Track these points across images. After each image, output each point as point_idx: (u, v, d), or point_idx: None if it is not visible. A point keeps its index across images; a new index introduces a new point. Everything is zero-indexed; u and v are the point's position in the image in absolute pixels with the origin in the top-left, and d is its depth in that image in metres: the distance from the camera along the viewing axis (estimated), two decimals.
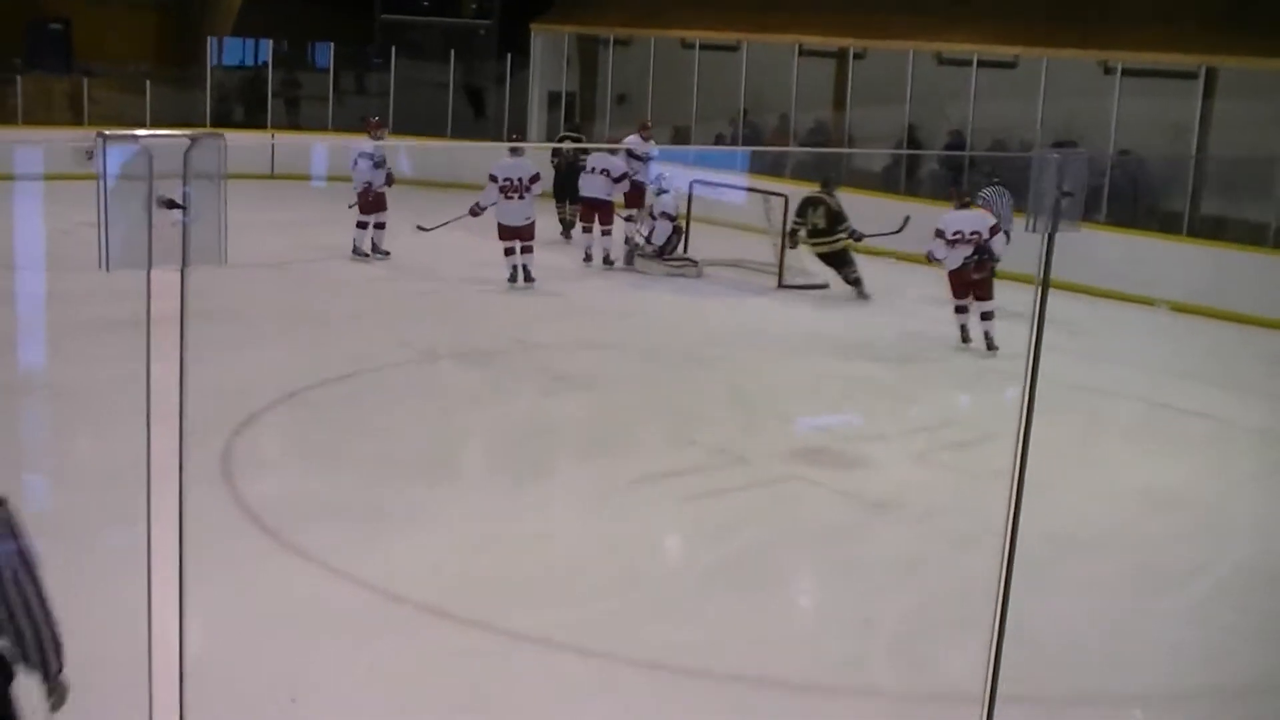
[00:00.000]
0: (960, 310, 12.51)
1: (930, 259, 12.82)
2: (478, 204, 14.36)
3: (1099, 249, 14.71)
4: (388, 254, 15.19)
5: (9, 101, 21.63)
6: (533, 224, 14.27)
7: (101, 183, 2.44)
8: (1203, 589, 7.19)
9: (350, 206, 15.26)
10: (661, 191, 15.65)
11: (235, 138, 3.01)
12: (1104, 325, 13.74)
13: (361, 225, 15.19)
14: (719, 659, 5.85)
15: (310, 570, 6.49)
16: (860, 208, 17.42)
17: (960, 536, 7.48)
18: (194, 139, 2.48)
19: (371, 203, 15.11)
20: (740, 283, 15.03)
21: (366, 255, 15.11)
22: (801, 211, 14.77)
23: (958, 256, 12.38)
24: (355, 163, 15.25)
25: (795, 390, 10.87)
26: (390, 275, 14.58)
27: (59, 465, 8.16)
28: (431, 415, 9.50)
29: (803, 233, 14.70)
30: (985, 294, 12.33)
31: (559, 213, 17.26)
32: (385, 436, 8.88)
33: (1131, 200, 16.60)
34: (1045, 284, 3.21)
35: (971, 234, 12.40)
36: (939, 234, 12.52)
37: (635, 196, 16.32)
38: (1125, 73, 16.15)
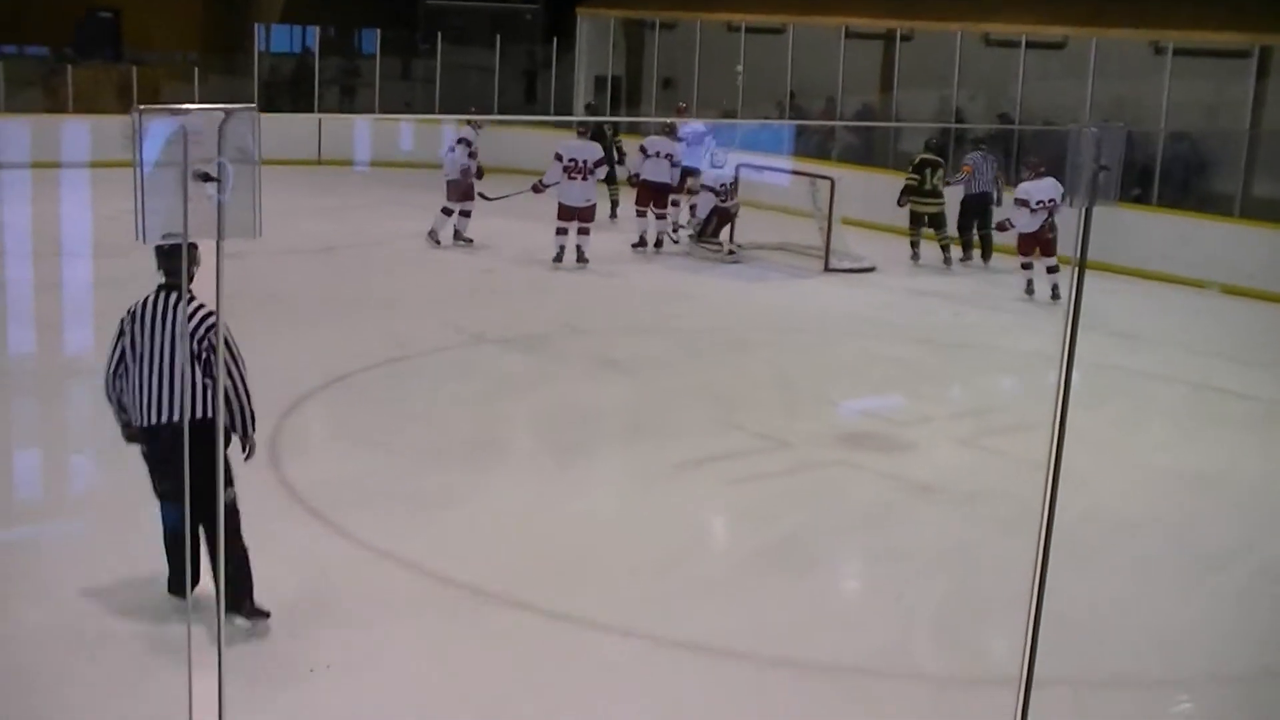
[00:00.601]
0: (1026, 267, 13.81)
1: (1006, 227, 14.07)
2: (541, 181, 14.48)
3: (1149, 230, 14.63)
4: (470, 241, 15.12)
5: (60, 90, 21.82)
6: (593, 206, 14.43)
7: (138, 157, 2.46)
8: (1247, 571, 7.13)
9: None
10: (714, 166, 15.52)
11: (280, 120, 3.05)
12: (1153, 308, 13.63)
13: (447, 212, 15.05)
14: (762, 641, 5.86)
15: (356, 551, 6.54)
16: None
17: (1004, 520, 7.44)
18: (228, 113, 2.51)
19: (464, 191, 15.04)
20: (786, 266, 14.98)
21: (439, 243, 15.00)
22: (920, 170, 15.55)
23: (1036, 221, 13.48)
24: (451, 149, 15.06)
25: (840, 374, 10.85)
26: (440, 259, 14.62)
27: (104, 446, 8.23)
28: (477, 399, 9.54)
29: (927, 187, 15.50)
30: (1051, 251, 13.54)
31: (611, 194, 17.16)
32: (431, 420, 8.93)
33: (1182, 182, 16.44)
34: (1083, 260, 3.19)
35: (1050, 201, 13.41)
36: (1022, 203, 13.56)
37: (682, 181, 16.24)
38: (1176, 52, 15.97)
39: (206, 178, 2.46)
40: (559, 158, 14.30)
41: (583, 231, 14.27)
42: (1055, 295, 13.27)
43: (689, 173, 15.91)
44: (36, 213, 15.94)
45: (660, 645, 5.78)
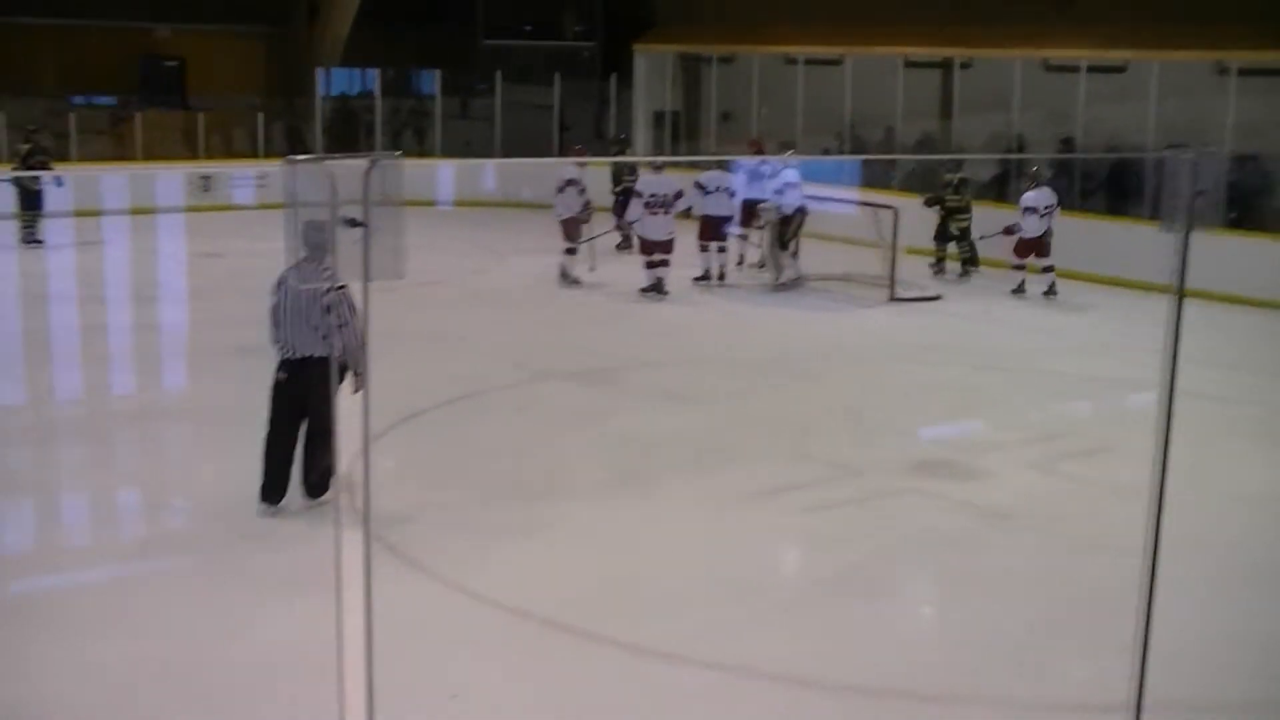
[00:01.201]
0: (1020, 268, 15.22)
1: (1013, 231, 15.16)
2: (625, 219, 14.62)
3: (1217, 252, 14.46)
4: (578, 281, 15.21)
5: (127, 137, 22.19)
6: (674, 239, 14.60)
7: (291, 204, 2.52)
8: None
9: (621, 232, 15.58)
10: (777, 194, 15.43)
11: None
12: (1223, 330, 13.47)
13: (571, 252, 15.16)
14: (840, 669, 5.82)
15: (432, 585, 6.57)
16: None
17: (1081, 546, 7.39)
18: (373, 161, 2.55)
19: (578, 229, 15.18)
20: (851, 296, 14.95)
21: (577, 282, 15.09)
22: (958, 189, 16.35)
23: (1041, 226, 14.89)
24: (563, 189, 15.09)
25: (908, 402, 10.78)
26: (505, 295, 14.71)
27: (199, 486, 8.36)
28: (547, 433, 9.57)
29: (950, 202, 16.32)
30: (1046, 253, 15.04)
31: (619, 228, 17.08)
32: (502, 455, 8.96)
33: (1249, 203, 16.26)
34: (1181, 288, 3.16)
35: (1048, 207, 14.91)
36: (1031, 210, 14.89)
37: (749, 214, 16.19)
38: (1240, 72, 15.84)
39: (353, 223, 2.52)
40: (638, 194, 14.47)
41: (664, 264, 14.54)
42: (1052, 291, 14.88)
43: (752, 205, 15.90)
44: (114, 257, 16.24)
45: (736, 674, 5.75)
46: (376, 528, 7.25)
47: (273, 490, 7.30)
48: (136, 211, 18.77)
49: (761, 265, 15.69)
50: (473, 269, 16.04)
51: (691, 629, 6.19)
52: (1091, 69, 17.48)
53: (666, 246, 14.54)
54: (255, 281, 14.60)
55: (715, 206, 15.51)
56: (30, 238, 16.83)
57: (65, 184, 17.11)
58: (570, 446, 9.30)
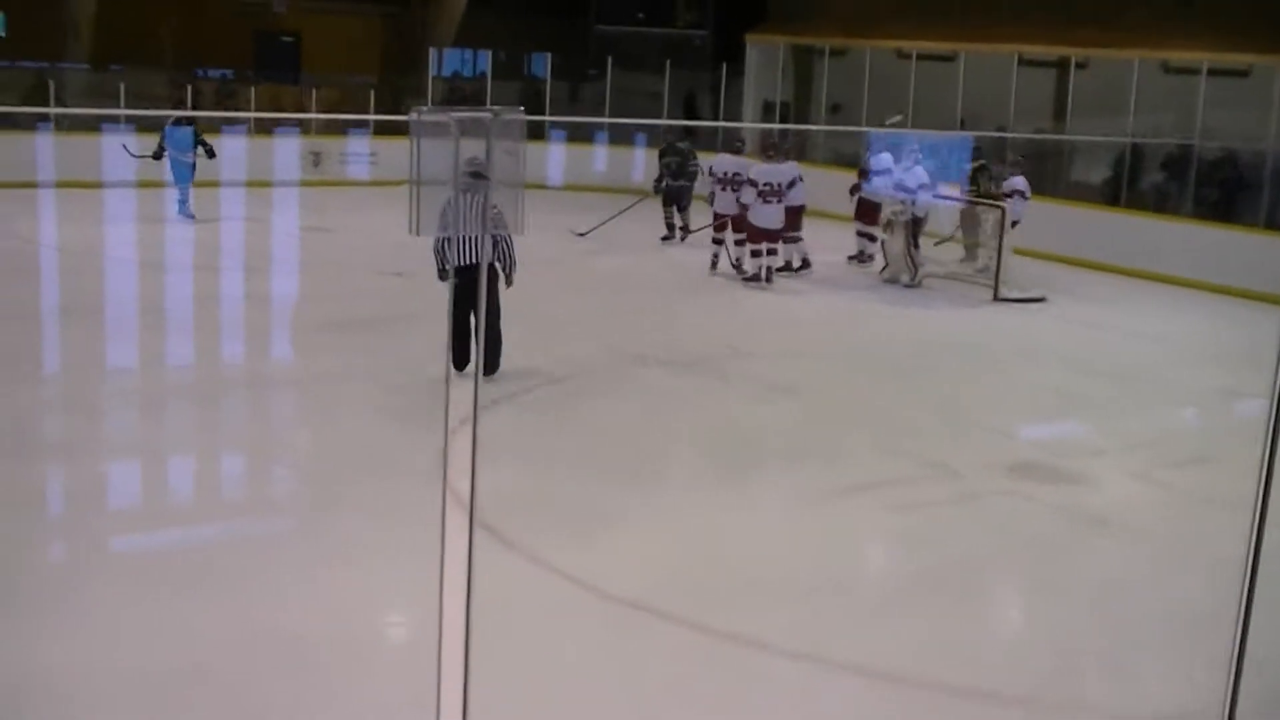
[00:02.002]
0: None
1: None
2: (739, 201, 14.67)
3: None
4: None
5: (241, 110, 22.55)
6: (784, 228, 14.73)
7: (415, 155, 2.57)
8: None
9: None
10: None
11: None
12: None
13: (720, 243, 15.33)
14: (930, 667, 5.80)
15: (521, 564, 6.63)
16: (1079, 220, 17.09)
17: (1178, 556, 7.29)
18: (496, 114, 2.58)
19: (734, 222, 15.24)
20: (955, 295, 14.82)
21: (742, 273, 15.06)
22: (974, 179, 16.31)
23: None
24: (731, 183, 15.15)
25: (1008, 403, 10.68)
26: (602, 279, 14.78)
27: (304, 454, 8.54)
28: (640, 418, 9.61)
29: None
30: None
31: (666, 217, 17.33)
32: (598, 438, 9.02)
33: None
34: None
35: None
36: (1020, 194, 15.39)
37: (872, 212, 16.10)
38: None
39: (477, 175, 2.56)
40: (753, 183, 14.49)
41: (772, 252, 14.62)
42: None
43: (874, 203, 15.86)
44: (231, 229, 16.58)
45: (826, 667, 5.75)
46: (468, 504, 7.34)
47: (460, 362, 8.63)
48: (251, 185, 19.11)
49: (884, 267, 15.48)
50: (582, 251, 16.13)
51: (780, 620, 6.19)
52: (1212, 71, 17.15)
53: (776, 235, 14.61)
54: (362, 256, 14.95)
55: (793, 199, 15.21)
56: (185, 211, 17.06)
57: (216, 155, 17.47)
58: (668, 432, 9.32)
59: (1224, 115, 17.26)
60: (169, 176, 17.21)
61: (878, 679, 5.68)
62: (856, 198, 16.35)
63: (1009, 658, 6.08)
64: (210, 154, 17.36)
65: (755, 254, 14.64)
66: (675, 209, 17.30)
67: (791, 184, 14.69)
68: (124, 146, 17.27)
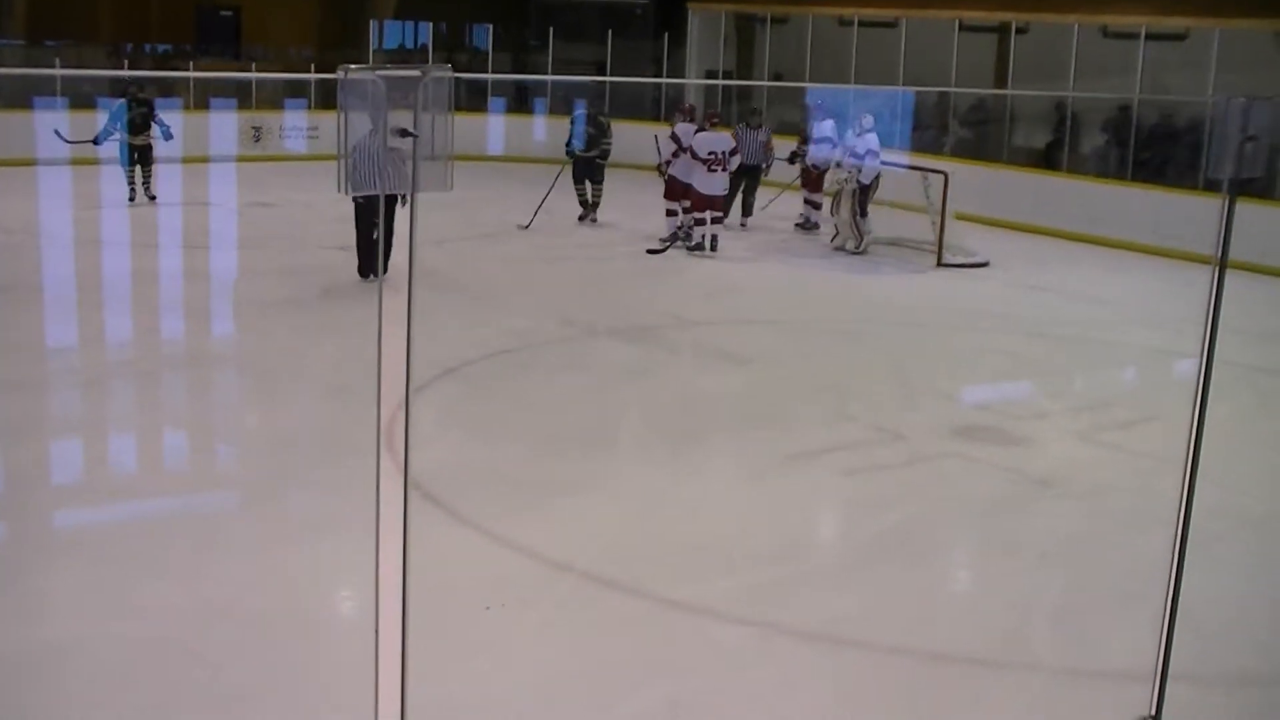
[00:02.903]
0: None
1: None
2: (672, 175, 14.73)
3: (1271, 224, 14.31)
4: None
5: (180, 86, 22.29)
6: (726, 195, 15.02)
7: (342, 113, 2.54)
8: None
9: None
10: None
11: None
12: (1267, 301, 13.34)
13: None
14: (879, 631, 5.83)
15: (472, 537, 6.60)
16: (1020, 184, 17.21)
17: (1124, 515, 7.35)
18: (423, 73, 2.56)
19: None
20: (899, 261, 14.89)
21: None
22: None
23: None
24: (728, 159, 14.92)
25: (954, 367, 10.75)
26: (550, 250, 14.73)
27: (247, 431, 8.46)
28: (590, 389, 9.59)
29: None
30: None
31: (579, 193, 16.67)
32: (545, 410, 8.99)
33: None
34: (1227, 238, 3.12)
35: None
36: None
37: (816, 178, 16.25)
38: None
39: (404, 133, 2.54)
40: (694, 152, 14.46)
41: (717, 220, 14.72)
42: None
43: (820, 169, 15.95)
44: (169, 205, 16.38)
45: (776, 632, 5.77)
46: (417, 477, 7.32)
47: (366, 270, 11.38)
48: (189, 160, 18.89)
49: (834, 230, 15.52)
50: (522, 223, 16.04)
51: (732, 587, 6.20)
52: (1150, 36, 17.27)
53: (719, 203, 14.75)
54: (303, 231, 14.83)
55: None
56: (148, 193, 16.60)
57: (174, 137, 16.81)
58: (615, 403, 9.31)
59: (1163, 79, 17.39)
60: (118, 158, 16.58)
61: (829, 643, 5.70)
62: (799, 166, 16.42)
63: (959, 619, 6.12)
64: (167, 135, 16.70)
65: (700, 222, 14.66)
66: (589, 183, 16.63)
67: (733, 152, 14.75)
68: (56, 132, 16.65)
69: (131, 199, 16.44)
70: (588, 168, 16.54)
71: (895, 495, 7.61)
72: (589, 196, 16.64)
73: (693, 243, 14.63)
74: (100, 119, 16.53)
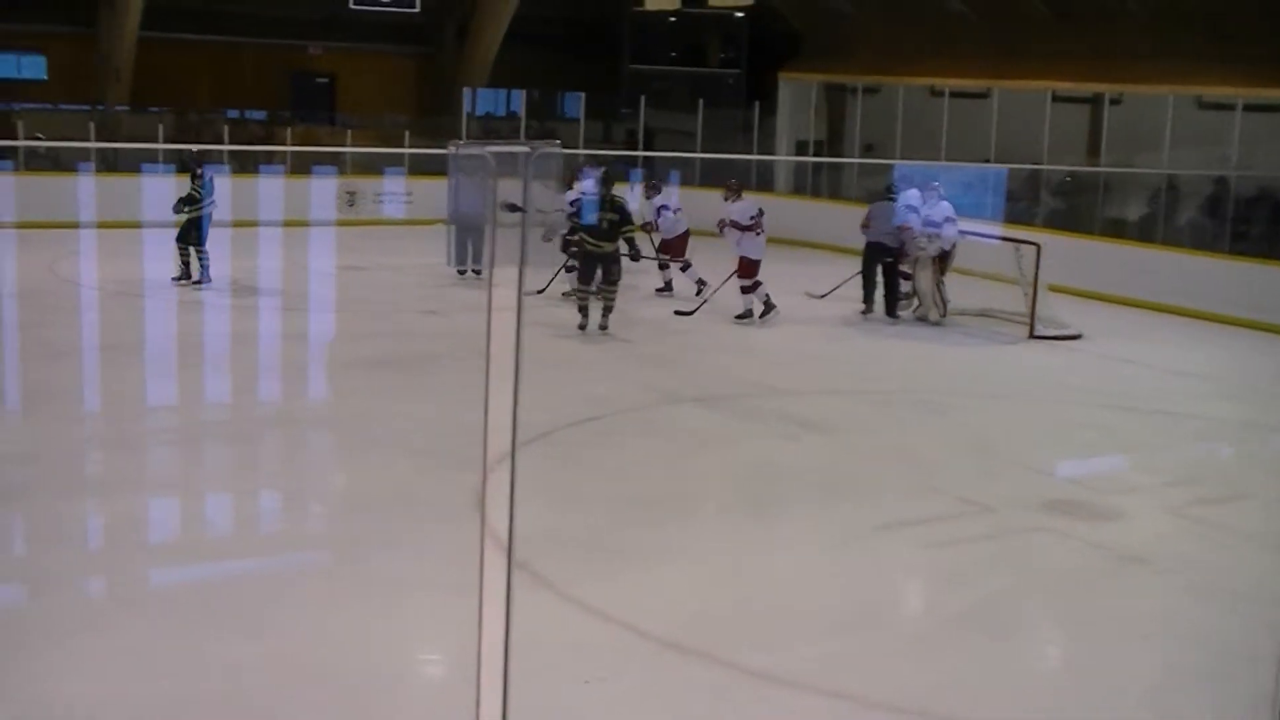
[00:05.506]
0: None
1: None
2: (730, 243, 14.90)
3: None
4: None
5: (277, 152, 22.74)
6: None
7: (453, 187, 2.62)
8: None
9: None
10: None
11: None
12: None
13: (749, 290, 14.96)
14: (963, 705, 5.77)
15: (554, 601, 6.62)
16: (1114, 256, 17.03)
17: (1215, 593, 7.22)
18: (533, 148, 2.63)
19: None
20: (989, 332, 14.79)
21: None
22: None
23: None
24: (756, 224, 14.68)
25: (1043, 440, 10.64)
26: (632, 319, 14.81)
27: (335, 492, 8.59)
28: (673, 456, 9.61)
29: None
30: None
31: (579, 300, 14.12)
32: (628, 476, 9.02)
33: None
34: None
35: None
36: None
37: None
38: None
39: (512, 208, 2.59)
40: (734, 222, 14.69)
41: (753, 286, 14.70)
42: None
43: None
44: (267, 268, 16.69)
45: (854, 704, 5.73)
46: (500, 540, 7.37)
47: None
48: (288, 224, 19.28)
49: (915, 301, 15.42)
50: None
51: (813, 658, 6.18)
52: (1248, 107, 17.11)
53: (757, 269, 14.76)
54: (395, 295, 15.04)
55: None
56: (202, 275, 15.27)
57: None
58: (697, 470, 9.33)
59: (1259, 150, 17.21)
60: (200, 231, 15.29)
61: (912, 715, 5.66)
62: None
63: (1042, 697, 6.04)
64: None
65: (748, 289, 14.66)
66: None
67: (761, 214, 14.80)
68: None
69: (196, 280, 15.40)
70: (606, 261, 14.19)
71: (981, 569, 7.53)
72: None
73: (760, 311, 14.67)
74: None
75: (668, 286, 16.14)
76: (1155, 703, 6.02)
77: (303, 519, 8.14)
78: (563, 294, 14.69)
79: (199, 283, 15.16)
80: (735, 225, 14.67)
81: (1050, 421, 11.29)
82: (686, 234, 16.22)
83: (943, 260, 15.04)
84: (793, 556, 7.61)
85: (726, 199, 15.08)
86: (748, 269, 14.62)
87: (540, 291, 14.89)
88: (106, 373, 11.15)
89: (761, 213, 14.78)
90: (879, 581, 7.34)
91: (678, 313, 14.86)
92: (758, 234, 14.62)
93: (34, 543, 7.34)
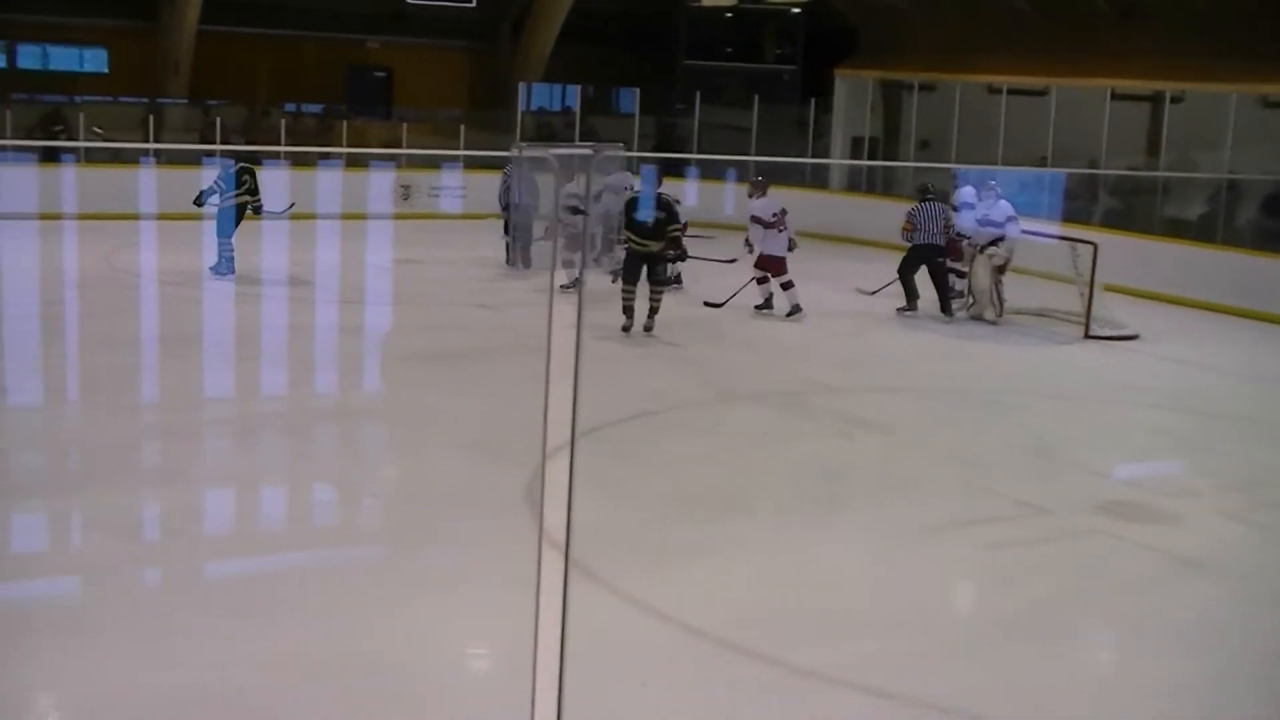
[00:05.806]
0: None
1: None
2: (747, 243, 14.90)
3: None
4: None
5: (334, 145, 22.85)
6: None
7: (517, 190, 2.63)
8: None
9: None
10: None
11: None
12: None
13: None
14: (1014, 708, 5.73)
15: (606, 597, 6.62)
16: (1172, 256, 16.86)
17: (1271, 600, 7.13)
18: (595, 150, 2.63)
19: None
20: (1045, 331, 14.68)
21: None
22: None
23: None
24: (778, 221, 14.71)
25: (1100, 441, 10.54)
26: (686, 316, 14.79)
27: (390, 485, 8.63)
28: (728, 453, 9.60)
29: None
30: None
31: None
32: (683, 472, 9.01)
33: None
34: None
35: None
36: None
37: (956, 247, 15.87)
38: None
39: (575, 211, 2.61)
40: (758, 219, 14.69)
41: (787, 285, 14.64)
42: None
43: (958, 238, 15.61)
44: (324, 260, 16.79)
45: (906, 704, 5.70)
46: (553, 535, 7.37)
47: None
48: (345, 217, 19.40)
49: (970, 299, 15.32)
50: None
51: (865, 656, 6.15)
52: None
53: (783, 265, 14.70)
54: (450, 289, 15.09)
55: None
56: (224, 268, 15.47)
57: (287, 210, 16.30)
58: (752, 468, 9.31)
59: None
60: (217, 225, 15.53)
61: (961, 718, 5.62)
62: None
63: (1095, 701, 5.98)
64: (257, 210, 15.63)
65: (787, 286, 14.69)
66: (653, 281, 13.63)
67: (784, 212, 14.76)
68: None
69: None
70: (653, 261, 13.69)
71: (1036, 571, 7.48)
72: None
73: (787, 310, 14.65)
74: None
75: (767, 303, 14.91)
76: (1210, 710, 5.95)
77: (356, 512, 8.18)
78: (561, 286, 12.81)
79: (223, 274, 15.33)
80: (758, 221, 14.65)
81: (1107, 423, 11.19)
82: (789, 244, 15.00)
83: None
84: (846, 556, 7.57)
85: (751, 195, 15.06)
86: (769, 266, 14.60)
87: (567, 287, 14.80)
88: (164, 364, 11.26)
89: (784, 211, 14.73)
90: (931, 582, 7.29)
91: (707, 304, 14.85)
92: (780, 231, 14.59)
93: (91, 533, 7.41)
